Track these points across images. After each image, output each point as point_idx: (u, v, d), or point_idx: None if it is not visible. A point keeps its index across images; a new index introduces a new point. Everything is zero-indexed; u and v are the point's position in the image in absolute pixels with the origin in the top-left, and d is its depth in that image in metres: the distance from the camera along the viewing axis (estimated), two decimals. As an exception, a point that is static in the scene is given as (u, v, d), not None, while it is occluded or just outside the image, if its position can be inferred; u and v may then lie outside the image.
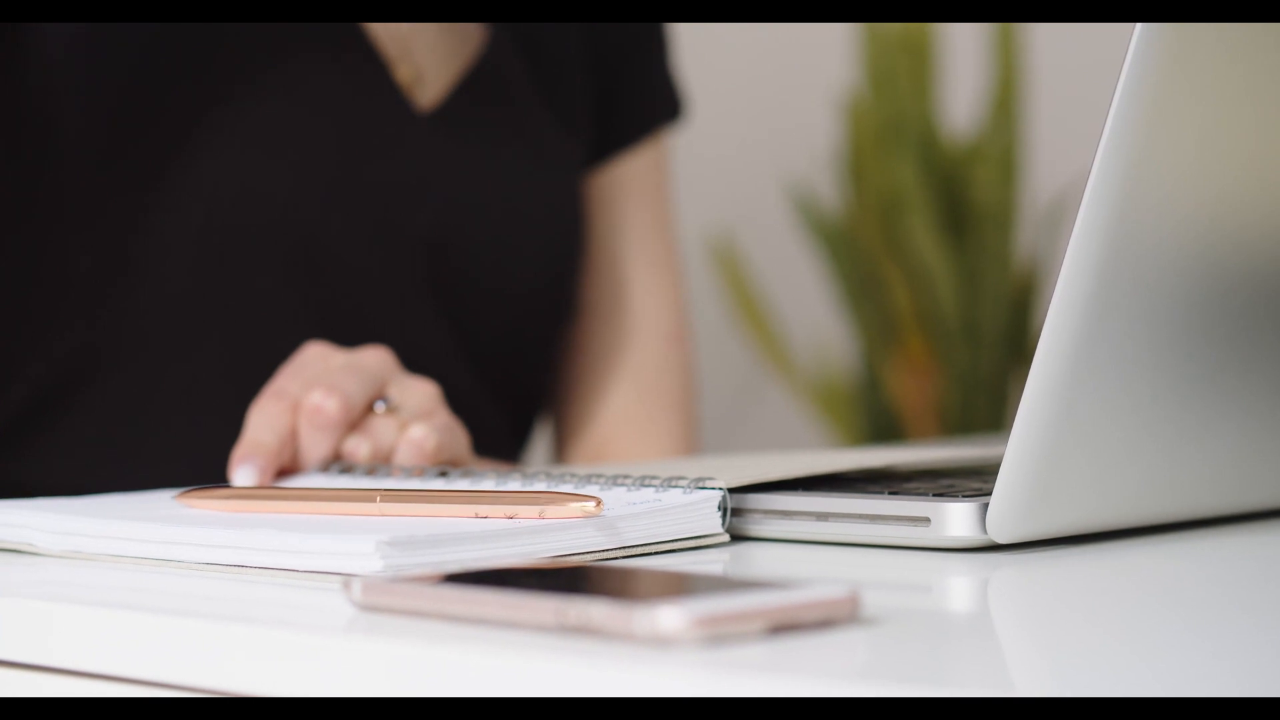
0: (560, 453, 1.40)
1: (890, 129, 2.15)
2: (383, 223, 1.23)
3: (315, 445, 0.98)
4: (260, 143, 1.18)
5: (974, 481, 0.90)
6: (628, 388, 1.35)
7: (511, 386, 1.32)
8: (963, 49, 2.30)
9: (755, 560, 0.83)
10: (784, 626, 0.64)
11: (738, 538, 0.88)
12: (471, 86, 1.26)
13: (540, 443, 1.51)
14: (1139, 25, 0.80)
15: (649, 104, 1.39)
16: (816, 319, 2.46)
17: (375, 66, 1.22)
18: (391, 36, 1.23)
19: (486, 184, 1.27)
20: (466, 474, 0.94)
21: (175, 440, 1.19)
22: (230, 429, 1.02)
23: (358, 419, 1.00)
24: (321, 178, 1.20)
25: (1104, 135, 0.80)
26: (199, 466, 1.08)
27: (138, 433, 1.19)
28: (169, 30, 1.16)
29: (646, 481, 0.89)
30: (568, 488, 0.88)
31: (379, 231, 1.23)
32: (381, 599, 0.69)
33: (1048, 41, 2.29)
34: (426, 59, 1.25)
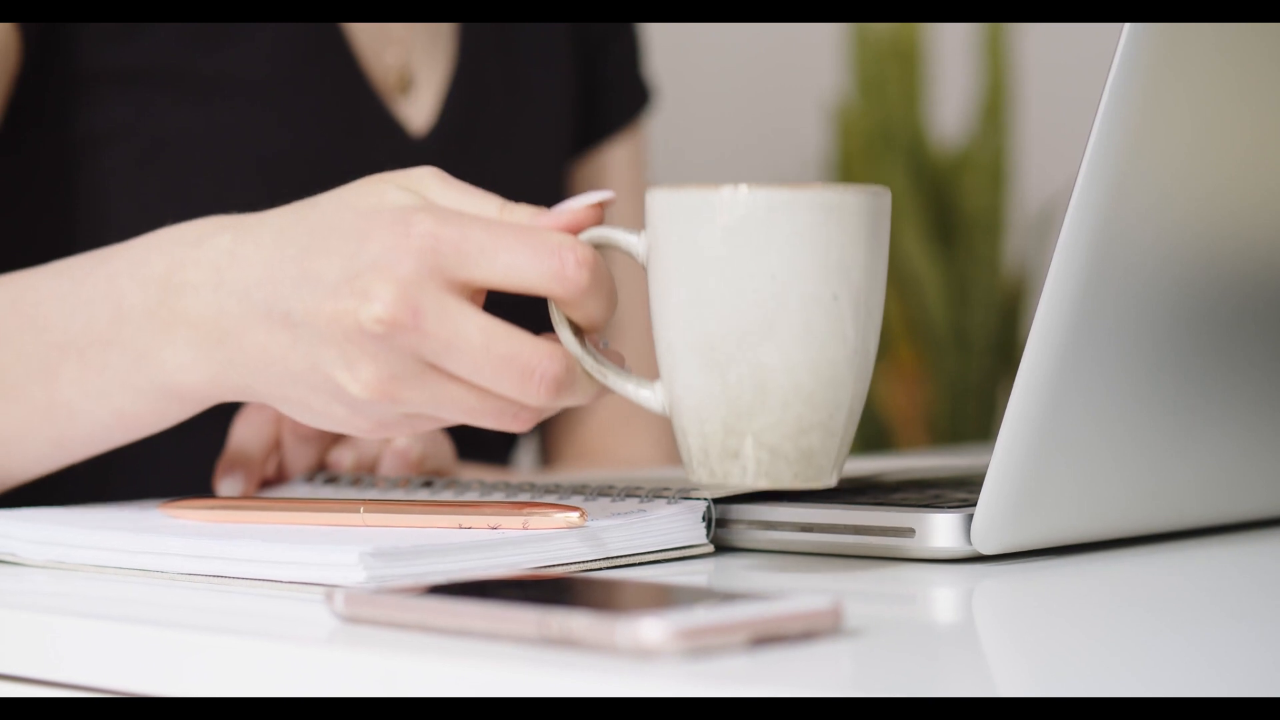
0: (549, 453, 1.39)
1: (879, 136, 2.15)
2: None
3: (299, 455, 0.98)
4: (257, 171, 1.16)
5: (960, 492, 0.90)
6: None
7: None
8: (952, 55, 2.30)
9: (739, 571, 0.83)
10: (767, 638, 0.64)
11: (722, 548, 0.88)
12: (458, 96, 1.25)
13: (531, 443, 1.50)
14: (1127, 26, 0.80)
15: (628, 92, 1.40)
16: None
17: (370, 97, 1.20)
18: (385, 43, 1.22)
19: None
20: (451, 484, 0.94)
21: (177, 444, 1.18)
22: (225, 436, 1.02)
23: (342, 429, 1.00)
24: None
25: (1092, 136, 0.80)
26: (198, 470, 1.07)
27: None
28: (163, 42, 1.15)
29: (631, 492, 0.89)
30: (552, 499, 0.88)
31: None
32: (364, 610, 0.69)
33: (1037, 48, 2.29)
34: (417, 66, 1.24)
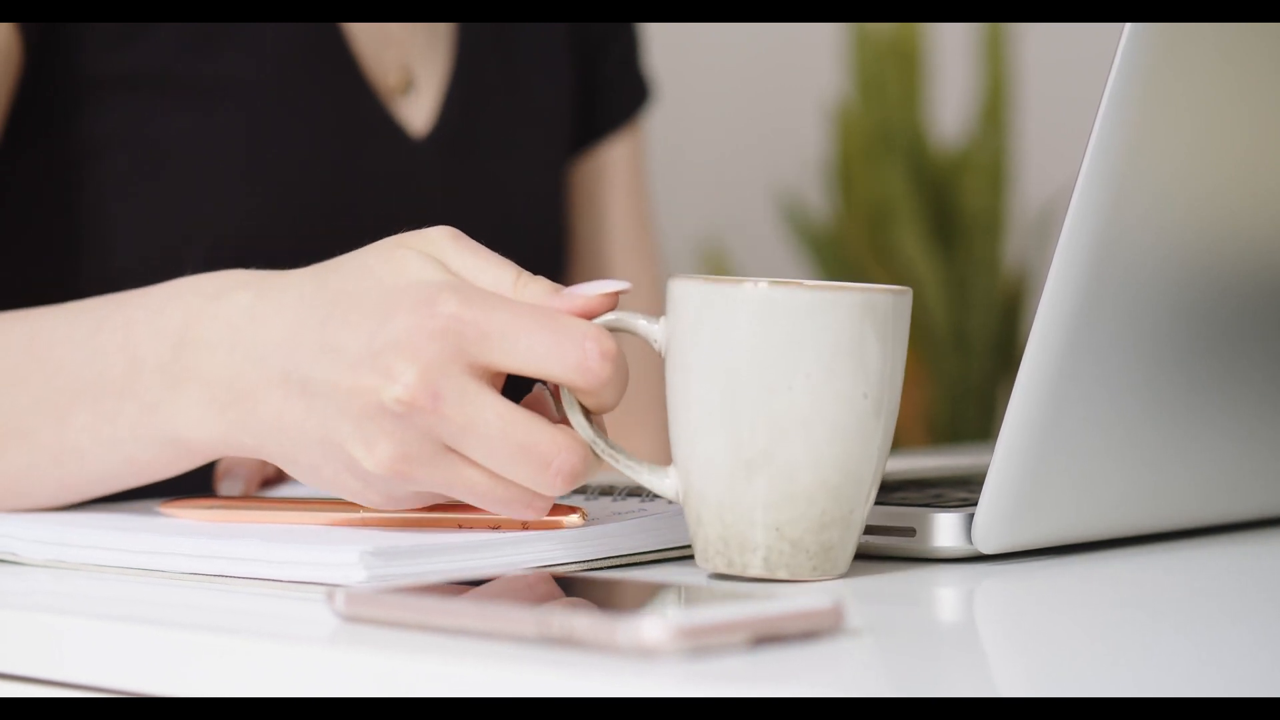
0: None
1: (879, 137, 2.15)
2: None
3: (300, 455, 0.98)
4: (259, 174, 1.16)
5: (960, 491, 0.90)
6: None
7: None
8: (952, 55, 2.30)
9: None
10: (768, 638, 0.64)
11: (723, 548, 0.87)
12: (458, 97, 1.25)
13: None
14: (1127, 26, 0.80)
15: (627, 90, 1.40)
16: (806, 327, 2.45)
17: (370, 99, 1.20)
18: (384, 44, 1.22)
19: (476, 197, 1.27)
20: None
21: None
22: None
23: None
24: (318, 211, 1.18)
25: (1092, 136, 0.80)
26: (198, 470, 1.07)
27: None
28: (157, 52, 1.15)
29: (633, 492, 0.89)
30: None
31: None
32: (365, 609, 0.69)
33: (1037, 48, 2.29)
34: (416, 67, 1.24)
